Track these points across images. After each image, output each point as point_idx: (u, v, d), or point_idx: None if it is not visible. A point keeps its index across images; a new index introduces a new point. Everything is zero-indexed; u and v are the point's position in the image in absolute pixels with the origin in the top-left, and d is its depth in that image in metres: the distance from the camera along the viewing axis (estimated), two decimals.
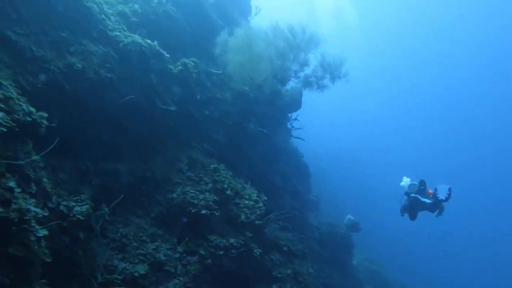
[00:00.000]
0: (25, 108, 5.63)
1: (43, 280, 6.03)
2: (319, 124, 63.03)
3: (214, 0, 15.09)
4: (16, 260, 5.18)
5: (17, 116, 5.33)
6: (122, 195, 8.63)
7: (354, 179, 49.26)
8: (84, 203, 7.31)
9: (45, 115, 6.22)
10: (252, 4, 19.90)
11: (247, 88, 13.68)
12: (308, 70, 15.31)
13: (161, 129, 11.47)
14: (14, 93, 6.00)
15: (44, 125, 6.19)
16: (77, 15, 9.64)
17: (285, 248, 13.80)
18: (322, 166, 38.96)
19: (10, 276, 5.09)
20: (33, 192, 6.19)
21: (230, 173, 12.01)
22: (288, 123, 18.41)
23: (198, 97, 12.43)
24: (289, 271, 13.01)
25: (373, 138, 78.70)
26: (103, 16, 10.26)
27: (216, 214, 10.37)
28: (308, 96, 17.03)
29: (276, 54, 13.42)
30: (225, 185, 11.24)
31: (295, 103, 16.83)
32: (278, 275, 12.48)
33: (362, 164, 55.76)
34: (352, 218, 22.71)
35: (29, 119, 5.65)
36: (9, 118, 5.12)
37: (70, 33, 9.39)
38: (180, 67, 11.55)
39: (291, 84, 16.36)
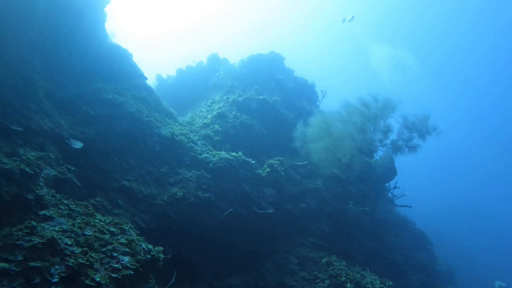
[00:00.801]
0: (144, 247, 6.13)
1: None
2: (423, 184, 57.54)
3: (282, 98, 16.07)
4: None
5: (139, 257, 5.78)
6: None
7: (487, 233, 41.91)
8: None
9: (161, 249, 6.67)
10: (317, 89, 20.72)
11: (336, 171, 13.43)
12: (393, 135, 14.70)
13: (264, 234, 11.49)
14: (135, 235, 6.63)
15: (161, 259, 6.59)
16: (171, 150, 10.93)
17: None
18: (443, 228, 34.21)
19: None
20: None
21: (344, 263, 11.16)
22: (389, 193, 17.19)
23: (292, 192, 12.47)
24: None
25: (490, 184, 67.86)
26: (191, 144, 11.48)
27: None
28: (401, 161, 16.08)
29: (356, 130, 13.27)
30: (343, 278, 10.37)
31: (390, 172, 15.87)
32: None
33: (487, 214, 47.87)
34: (504, 285, 18.79)
35: (148, 256, 6.08)
36: (134, 260, 5.58)
37: (168, 167, 10.57)
38: (267, 169, 11.96)
39: (380, 153, 15.74)
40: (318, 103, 19.73)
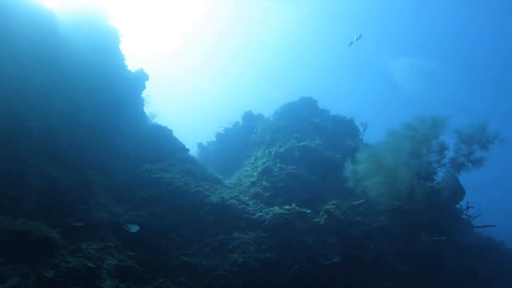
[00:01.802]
0: None
1: None
2: (499, 197, 51.92)
3: (323, 141, 15.83)
4: None
5: None
6: None
7: None
8: None
9: None
10: (356, 122, 20.26)
11: (398, 203, 12.52)
12: (450, 153, 13.68)
13: (336, 286, 10.66)
14: None
15: None
16: (224, 216, 10.85)
17: None
18: None
19: None
20: None
21: None
22: (463, 216, 15.58)
23: (356, 235, 11.69)
24: None
25: None
26: (243, 205, 11.36)
27: None
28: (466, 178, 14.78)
29: (409, 156, 12.50)
30: None
31: (457, 192, 14.53)
32: None
33: None
34: None
35: None
36: None
37: (224, 234, 10.40)
38: (324, 216, 11.43)
39: (441, 174, 14.60)
40: (361, 136, 19.17)
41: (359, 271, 11.14)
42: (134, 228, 8.45)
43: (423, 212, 13.18)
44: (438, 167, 13.41)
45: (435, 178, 14.27)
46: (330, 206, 11.63)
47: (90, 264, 6.04)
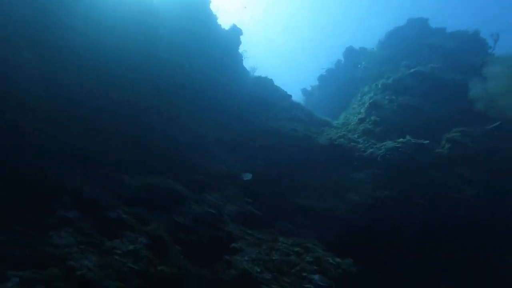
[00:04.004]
0: (332, 262, 5.95)
1: None
2: None
3: (441, 63, 13.83)
4: None
5: (329, 273, 5.63)
6: None
7: None
8: None
9: (350, 261, 6.35)
10: (483, 34, 17.01)
11: None
12: None
13: (477, 225, 9.49)
14: (320, 251, 6.56)
15: (354, 270, 6.25)
16: (334, 156, 10.70)
17: None
18: None
19: None
20: None
21: None
22: None
23: (497, 166, 10.10)
24: None
25: None
26: (352, 143, 10.98)
27: None
28: None
29: None
30: None
31: None
32: None
33: None
34: None
35: (339, 271, 5.87)
36: (324, 277, 5.46)
37: (337, 174, 10.29)
38: (447, 145, 10.26)
39: None
40: (491, 50, 16.08)
41: (506, 206, 9.75)
42: (248, 176, 8.99)
43: None
44: None
45: None
46: (455, 134, 10.34)
47: (211, 210, 6.73)
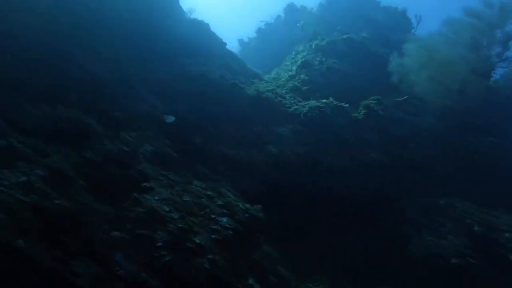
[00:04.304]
0: (242, 207, 6.21)
1: None
2: None
3: (371, 34, 14.42)
4: None
5: (237, 216, 5.88)
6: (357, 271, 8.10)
7: None
8: (321, 282, 7.15)
9: (259, 207, 6.69)
10: (409, 14, 18.07)
11: (448, 102, 11.59)
12: None
13: (375, 184, 10.56)
14: (232, 196, 6.78)
15: (262, 217, 6.62)
16: (260, 109, 10.81)
17: None
18: None
19: None
20: (274, 283, 6.47)
21: (468, 204, 9.81)
22: None
23: (398, 133, 11.23)
24: None
25: None
26: (279, 98, 11.18)
27: (473, 261, 8.30)
28: None
29: (466, 48, 11.13)
30: (468, 221, 9.14)
31: None
32: None
33: None
34: None
35: (247, 215, 6.16)
36: (232, 220, 5.69)
37: (261, 126, 10.51)
38: (363, 111, 11.01)
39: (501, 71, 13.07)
40: (413, 31, 17.19)
41: (399, 170, 10.97)
42: (171, 119, 8.70)
43: (476, 113, 12.23)
44: (499, 61, 11.90)
45: (493, 75, 12.86)
46: (371, 101, 11.09)
47: (125, 148, 6.45)
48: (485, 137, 11.52)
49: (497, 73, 12.87)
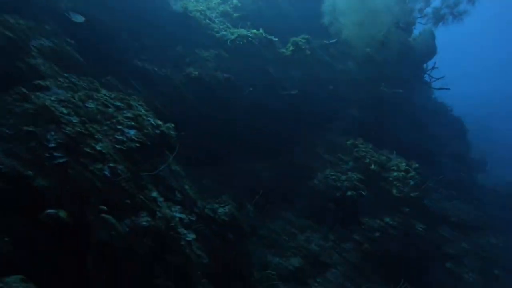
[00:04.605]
0: (153, 122, 5.88)
1: (203, 280, 6.27)
2: (463, 64, 51.92)
3: None
4: (175, 265, 5.42)
5: (146, 131, 5.57)
6: (261, 191, 8.51)
7: None
8: (226, 203, 7.38)
9: (172, 125, 6.43)
10: None
11: (370, 50, 12.11)
12: (436, 2, 12.72)
13: (290, 118, 11.02)
14: (143, 111, 6.36)
15: (173, 135, 6.40)
16: (185, 28, 10.03)
17: (454, 219, 11.80)
18: (478, 114, 31.58)
19: (173, 280, 5.36)
20: (178, 199, 6.49)
21: (371, 146, 10.79)
22: (426, 75, 15.71)
23: (320, 74, 11.52)
24: (464, 245, 11.03)
25: None
26: (207, 21, 10.46)
27: (364, 193, 9.38)
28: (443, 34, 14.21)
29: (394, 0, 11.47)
30: (367, 160, 10.12)
31: (429, 50, 14.25)
32: (451, 251, 10.69)
33: None
34: None
35: (157, 131, 5.87)
36: (140, 134, 5.37)
37: (183, 46, 9.83)
38: (291, 48, 10.94)
39: (420, 28, 13.94)
40: None
41: (314, 108, 11.44)
42: (79, 19, 7.54)
43: (392, 65, 13.03)
44: (420, 17, 12.61)
45: (413, 31, 13.66)
46: (300, 39, 11.04)
47: (12, 36, 5.43)
48: (395, 88, 12.46)
49: (417, 29, 13.69)
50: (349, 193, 9.32)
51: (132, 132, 5.25)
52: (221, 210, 7.06)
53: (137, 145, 5.19)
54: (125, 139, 5.05)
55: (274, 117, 10.65)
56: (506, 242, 12.47)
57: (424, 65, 15.04)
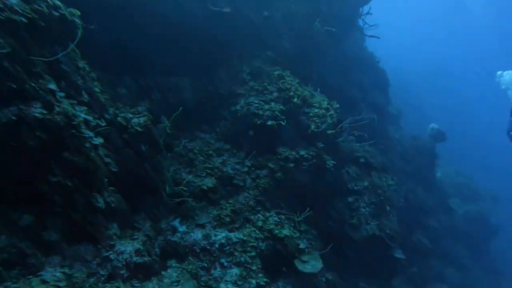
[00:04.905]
0: (49, 1, 4.84)
1: (111, 188, 5.90)
2: (397, 23, 53.59)
3: None
4: (76, 166, 4.90)
5: (39, 7, 4.57)
6: (181, 108, 7.98)
7: (441, 91, 43.26)
8: (142, 115, 6.81)
9: (77, 12, 5.42)
10: None
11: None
12: None
13: (219, 38, 10.33)
14: None
15: (78, 24, 5.44)
16: None
17: (362, 160, 12.68)
18: (402, 73, 33.86)
19: (73, 180, 4.88)
20: (85, 101, 5.78)
21: (297, 81, 10.74)
22: (360, 20, 15.68)
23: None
24: (366, 183, 12.03)
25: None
26: None
27: (283, 124, 9.43)
28: None
29: None
30: (291, 93, 10.08)
31: None
32: (355, 188, 11.61)
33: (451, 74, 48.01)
34: (436, 126, 20.19)
35: (55, 13, 4.89)
36: (28, 8, 4.38)
37: None
38: None
39: None
40: None
41: (246, 33, 10.84)
42: None
43: (328, 1, 12.73)
44: None
45: None
46: None
47: None
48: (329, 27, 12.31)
49: None
50: (269, 122, 9.31)
51: (15, 1, 4.21)
52: (135, 120, 6.49)
53: (24, 20, 4.22)
54: (6, 11, 4.05)
55: (204, 35, 9.87)
56: (398, 184, 13.96)
57: (360, 9, 14.97)
